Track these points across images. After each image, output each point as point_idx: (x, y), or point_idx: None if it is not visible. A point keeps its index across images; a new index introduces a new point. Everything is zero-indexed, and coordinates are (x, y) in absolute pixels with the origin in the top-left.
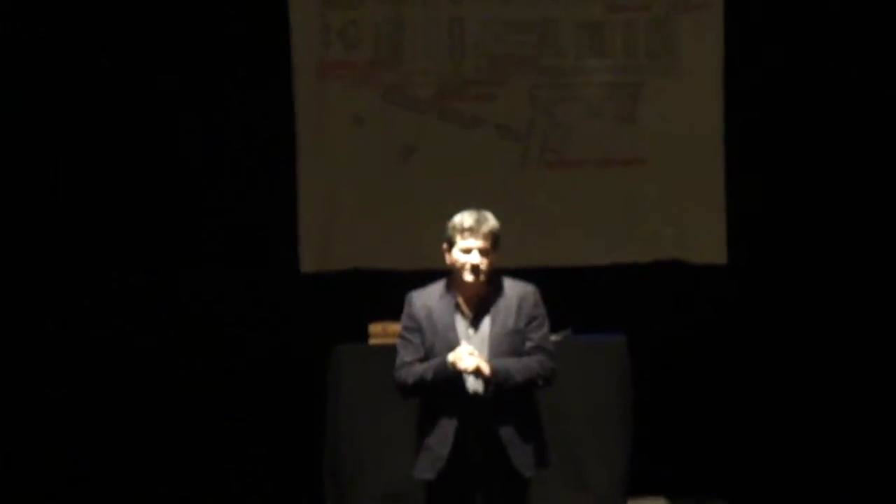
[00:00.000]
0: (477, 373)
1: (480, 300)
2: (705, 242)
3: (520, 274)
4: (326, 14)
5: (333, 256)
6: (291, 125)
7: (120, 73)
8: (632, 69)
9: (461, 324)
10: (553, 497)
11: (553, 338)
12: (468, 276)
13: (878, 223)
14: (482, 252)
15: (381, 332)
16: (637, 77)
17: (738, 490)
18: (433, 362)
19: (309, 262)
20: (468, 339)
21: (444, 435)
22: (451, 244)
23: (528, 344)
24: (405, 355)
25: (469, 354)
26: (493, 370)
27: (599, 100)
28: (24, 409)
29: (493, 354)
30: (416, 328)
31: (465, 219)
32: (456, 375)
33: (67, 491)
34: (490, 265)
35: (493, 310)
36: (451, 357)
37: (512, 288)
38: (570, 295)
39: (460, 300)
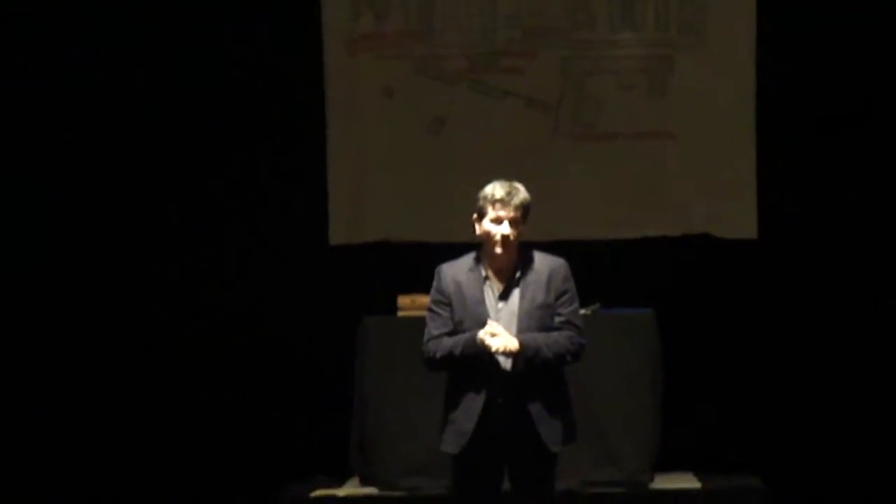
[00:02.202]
0: (505, 352)
1: (510, 273)
2: (735, 217)
3: (549, 247)
4: None
5: (363, 229)
6: (321, 97)
7: (152, 45)
8: (663, 42)
9: (490, 297)
10: (580, 472)
11: (581, 312)
12: (498, 248)
13: None
14: (512, 223)
15: (410, 304)
16: (668, 50)
17: (769, 466)
18: (462, 337)
19: (338, 234)
20: (497, 312)
21: (470, 409)
22: (482, 215)
23: (558, 319)
24: (433, 328)
25: (492, 335)
26: (523, 346)
27: (630, 73)
28: (56, 367)
29: (522, 329)
30: (446, 301)
31: (496, 190)
32: (485, 351)
33: (96, 459)
34: (519, 237)
35: (522, 283)
36: (480, 335)
37: (542, 262)
38: (598, 268)
39: (490, 273)
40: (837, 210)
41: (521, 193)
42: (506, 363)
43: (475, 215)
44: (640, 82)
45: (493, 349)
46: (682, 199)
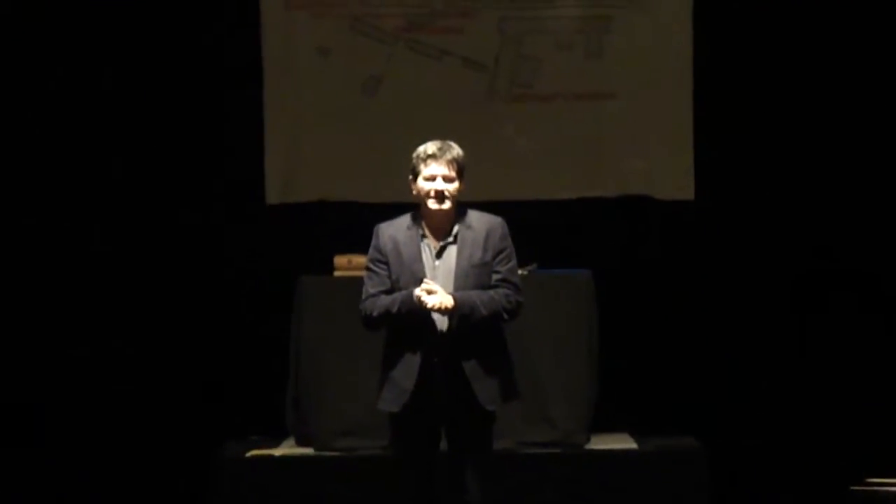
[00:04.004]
0: (441, 309)
1: (447, 232)
2: (673, 178)
3: (486, 207)
4: None
5: (299, 188)
6: (258, 55)
7: (90, 6)
8: (600, 2)
9: (427, 255)
10: (517, 431)
11: (519, 272)
12: (433, 204)
13: (846, 158)
14: (446, 179)
15: (347, 264)
16: (606, 10)
17: (704, 427)
18: (399, 295)
19: (274, 193)
20: (434, 270)
21: (408, 368)
22: (416, 174)
23: (495, 277)
24: (371, 287)
25: (428, 292)
26: (458, 303)
27: (568, 33)
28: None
29: (459, 287)
30: (383, 260)
31: (427, 147)
32: (422, 309)
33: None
34: (455, 193)
35: (459, 241)
36: (416, 292)
37: (479, 220)
38: (536, 229)
39: (427, 231)
40: (774, 171)
41: (454, 149)
42: (442, 322)
43: (410, 176)
44: (578, 42)
45: (429, 306)
46: (619, 159)
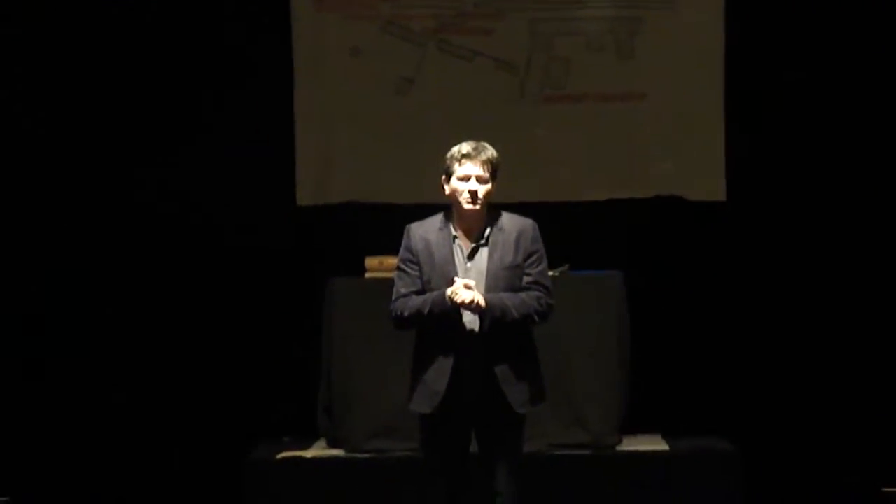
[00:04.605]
0: (473, 307)
1: (479, 233)
2: (704, 179)
3: (518, 209)
4: None
5: (330, 189)
6: (289, 57)
7: (118, 9)
8: (632, 3)
9: (459, 256)
10: (548, 434)
11: (550, 274)
12: (466, 204)
13: (880, 158)
14: (480, 180)
15: (378, 265)
16: (637, 11)
17: (735, 428)
18: (431, 295)
19: (306, 195)
20: (465, 272)
21: (440, 370)
22: (450, 174)
23: (526, 279)
24: (402, 287)
25: (465, 287)
26: (489, 305)
27: (599, 34)
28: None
29: (490, 289)
30: (414, 260)
31: (462, 147)
32: (453, 310)
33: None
34: (488, 194)
35: (491, 243)
36: (448, 291)
37: (511, 222)
38: (567, 230)
39: (459, 233)
40: (806, 171)
41: (489, 150)
42: (473, 324)
43: (443, 176)
44: (608, 43)
45: (460, 300)
46: (650, 160)
